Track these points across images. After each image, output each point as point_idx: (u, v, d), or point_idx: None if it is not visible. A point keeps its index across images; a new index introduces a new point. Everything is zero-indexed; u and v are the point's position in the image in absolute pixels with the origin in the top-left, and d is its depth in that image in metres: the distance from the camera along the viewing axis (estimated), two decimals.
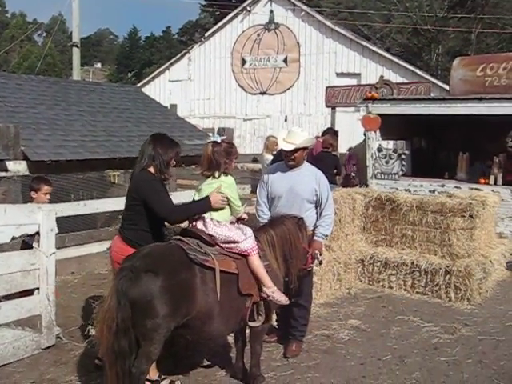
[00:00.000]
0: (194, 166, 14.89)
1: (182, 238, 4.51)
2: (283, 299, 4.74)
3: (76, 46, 18.90)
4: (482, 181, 9.46)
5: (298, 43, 25.90)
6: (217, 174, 4.69)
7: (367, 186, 9.65)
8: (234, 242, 4.56)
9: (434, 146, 11.29)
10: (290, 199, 5.48)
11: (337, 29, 25.41)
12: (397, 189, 9.37)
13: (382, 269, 7.96)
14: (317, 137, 11.66)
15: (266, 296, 4.62)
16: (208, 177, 4.74)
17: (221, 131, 11.27)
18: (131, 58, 66.06)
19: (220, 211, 4.65)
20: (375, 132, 9.91)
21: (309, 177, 5.56)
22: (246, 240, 4.58)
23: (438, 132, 10.78)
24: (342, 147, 11.14)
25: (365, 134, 10.21)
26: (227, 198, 4.66)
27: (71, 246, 8.50)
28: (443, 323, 6.60)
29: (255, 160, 15.91)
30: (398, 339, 6.13)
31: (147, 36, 73.41)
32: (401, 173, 9.77)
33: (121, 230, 4.88)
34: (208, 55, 28.01)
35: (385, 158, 9.73)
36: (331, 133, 11.40)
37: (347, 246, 8.14)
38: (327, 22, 25.59)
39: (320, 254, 5.50)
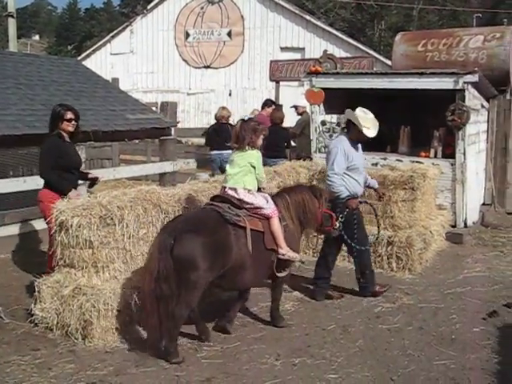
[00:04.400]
0: (137, 141, 14.61)
1: (213, 202, 5.29)
2: (295, 256, 5.52)
3: (11, 16, 18.12)
4: (423, 154, 9.65)
5: (242, 17, 25.70)
6: (246, 148, 5.34)
7: (311, 159, 9.71)
8: (259, 208, 5.30)
9: (377, 120, 11.41)
10: (362, 168, 6.70)
11: (281, 3, 25.29)
12: None
13: None
14: (256, 110, 11.75)
15: (281, 255, 5.39)
16: (237, 149, 5.42)
17: (164, 105, 11.11)
18: (71, 30, 64.10)
19: (250, 181, 5.36)
20: (319, 106, 9.95)
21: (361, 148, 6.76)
22: (268, 205, 5.35)
23: (381, 106, 10.90)
24: (287, 121, 11.16)
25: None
26: (254, 167, 5.34)
27: (11, 223, 8.27)
28: (385, 293, 6.76)
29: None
30: (341, 309, 6.27)
31: (87, 8, 71.44)
32: None
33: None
34: (151, 28, 27.51)
35: (328, 131, 9.80)
36: (277, 107, 11.48)
37: None
38: None
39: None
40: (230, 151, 11.38)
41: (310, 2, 36.31)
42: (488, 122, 11.33)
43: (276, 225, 5.35)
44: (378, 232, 7.15)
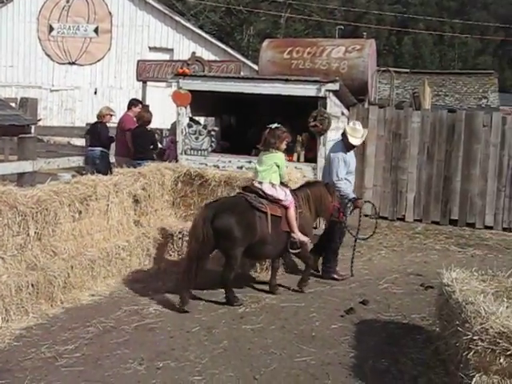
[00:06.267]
0: None
1: (243, 192, 6.73)
2: (305, 239, 6.82)
3: None
4: (287, 158, 9.87)
5: (110, 13, 25.09)
6: (271, 150, 6.68)
7: (177, 161, 9.67)
8: (279, 200, 6.63)
9: (243, 124, 11.62)
10: (354, 172, 8.10)
11: (150, 2, 25.01)
12: (206, 164, 9.48)
13: None
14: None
15: (293, 239, 6.69)
16: (264, 151, 6.76)
17: (24, 102, 10.58)
18: None
19: (275, 176, 6.68)
20: (185, 108, 9.93)
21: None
22: (286, 197, 6.68)
23: (247, 110, 11.12)
24: (154, 122, 11.02)
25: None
26: (278, 166, 6.69)
27: None
28: (250, 293, 6.91)
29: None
30: (206, 311, 6.29)
31: None
32: (210, 149, 9.92)
33: None
34: (11, 19, 26.02)
35: (195, 134, 9.79)
36: (145, 108, 11.34)
37: (156, 221, 8.14)
38: None
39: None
40: (100, 148, 11.30)
41: (180, 3, 36.28)
42: None
43: (291, 213, 6.66)
44: (375, 229, 8.46)
